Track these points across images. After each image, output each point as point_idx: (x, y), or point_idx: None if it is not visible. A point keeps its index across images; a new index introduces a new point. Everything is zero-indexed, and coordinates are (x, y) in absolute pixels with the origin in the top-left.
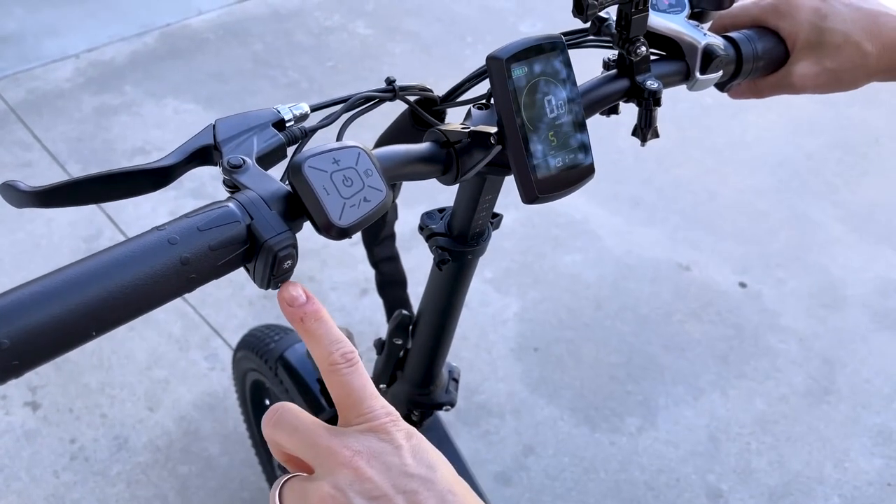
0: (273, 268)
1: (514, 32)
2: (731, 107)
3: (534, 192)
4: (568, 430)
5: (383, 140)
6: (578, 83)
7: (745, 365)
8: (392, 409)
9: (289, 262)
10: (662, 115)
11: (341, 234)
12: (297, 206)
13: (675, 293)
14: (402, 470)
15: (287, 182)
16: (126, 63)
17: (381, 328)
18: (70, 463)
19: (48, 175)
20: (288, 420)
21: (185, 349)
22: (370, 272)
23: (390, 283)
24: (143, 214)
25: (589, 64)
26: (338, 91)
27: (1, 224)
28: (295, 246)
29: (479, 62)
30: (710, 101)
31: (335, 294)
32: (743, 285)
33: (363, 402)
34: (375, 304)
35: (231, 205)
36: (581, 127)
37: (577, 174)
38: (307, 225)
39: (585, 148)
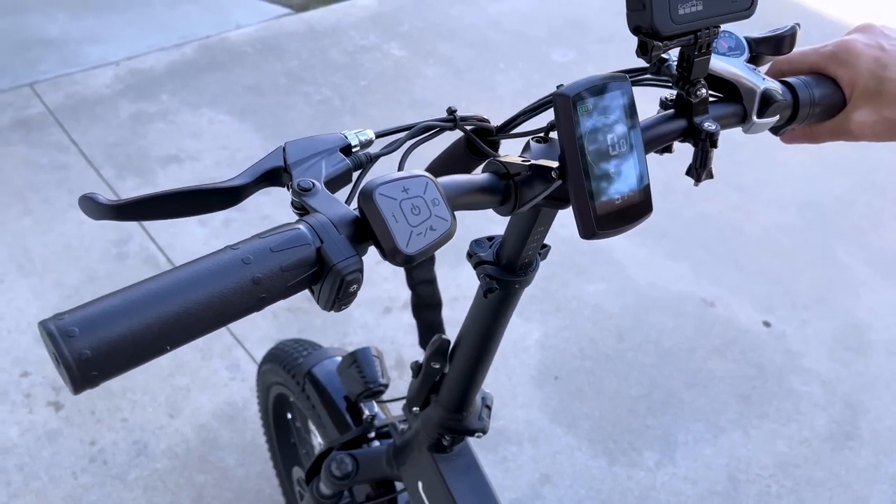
0: (339, 291)
1: (545, 61)
2: (760, 145)
3: (593, 228)
4: (585, 461)
5: (436, 167)
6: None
7: (768, 405)
8: None
9: (355, 286)
10: (690, 151)
11: (407, 260)
12: (364, 231)
13: (699, 329)
14: None
15: (356, 207)
16: (164, 72)
17: (403, 347)
18: (89, 465)
19: (82, 178)
20: None
21: (207, 358)
22: (394, 291)
23: (426, 305)
24: (173, 222)
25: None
26: (370, 110)
27: (33, 224)
28: (361, 270)
29: (510, 88)
30: (741, 139)
31: (358, 311)
32: (767, 324)
33: None
34: (398, 322)
35: (302, 227)
36: (641, 165)
37: (635, 211)
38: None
39: (645, 186)
